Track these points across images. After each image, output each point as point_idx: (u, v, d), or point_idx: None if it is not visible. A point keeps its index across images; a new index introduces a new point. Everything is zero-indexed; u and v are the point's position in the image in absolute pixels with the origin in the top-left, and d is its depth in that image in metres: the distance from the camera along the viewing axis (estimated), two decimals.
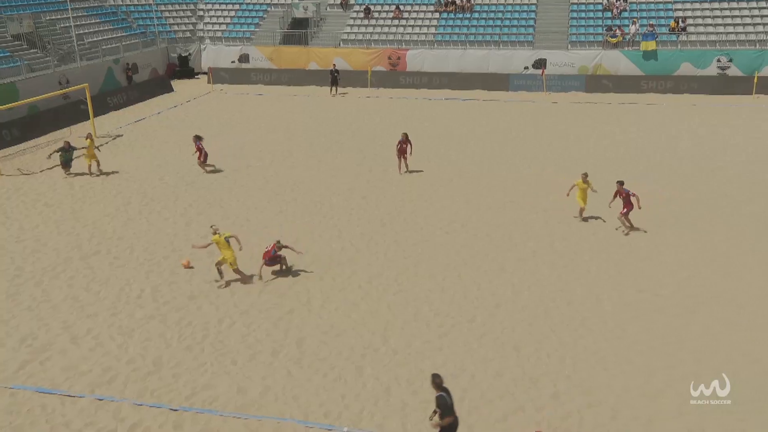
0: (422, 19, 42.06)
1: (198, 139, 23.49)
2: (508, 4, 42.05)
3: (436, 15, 42.05)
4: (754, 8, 38.19)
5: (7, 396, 11.57)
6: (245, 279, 15.45)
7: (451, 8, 41.97)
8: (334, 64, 38.67)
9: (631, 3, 40.45)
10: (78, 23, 37.77)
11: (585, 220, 18.70)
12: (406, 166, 23.33)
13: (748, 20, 37.74)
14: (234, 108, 34.49)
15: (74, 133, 28.87)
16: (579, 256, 16.76)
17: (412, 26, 41.65)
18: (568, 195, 18.89)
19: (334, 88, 37.41)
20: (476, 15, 41.58)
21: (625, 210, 17.73)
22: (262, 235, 18.11)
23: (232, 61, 42.12)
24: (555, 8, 41.33)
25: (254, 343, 13.08)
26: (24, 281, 15.65)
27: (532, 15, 41.00)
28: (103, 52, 36.96)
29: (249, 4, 45.77)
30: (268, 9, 44.98)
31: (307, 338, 13.27)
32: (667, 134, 28.07)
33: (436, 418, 9.74)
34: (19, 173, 23.85)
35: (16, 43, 33.99)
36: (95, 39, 38.18)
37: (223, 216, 19.56)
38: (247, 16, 44.82)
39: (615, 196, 17.89)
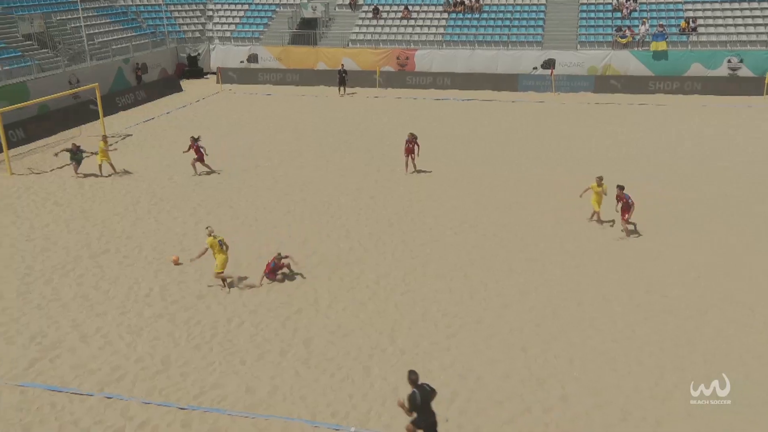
0: (431, 19, 42.03)
1: (195, 140, 23.39)
2: (517, 5, 41.95)
3: (445, 15, 42.00)
4: (766, 8, 37.91)
5: (17, 393, 11.64)
6: (223, 286, 15.21)
7: (459, 8, 41.91)
8: (342, 65, 38.70)
9: (641, 3, 40.27)
10: (88, 23, 37.98)
11: (600, 222, 18.45)
12: (414, 166, 23.32)
13: (759, 20, 37.48)
14: (243, 108, 34.59)
15: (84, 133, 29.05)
16: (588, 256, 16.69)
17: (421, 26, 41.62)
18: (581, 196, 18.71)
19: (342, 88, 37.45)
20: (485, 15, 41.50)
21: (626, 215, 17.62)
22: (270, 235, 18.16)
23: (241, 61, 42.23)
24: (564, 8, 41.20)
25: (262, 343, 13.10)
26: (34, 280, 15.75)
27: (541, 15, 40.88)
28: (113, 52, 37.14)
29: (258, 4, 45.89)
30: (277, 9, 45.07)
31: (314, 338, 13.28)
32: (676, 135, 27.92)
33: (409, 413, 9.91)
34: (30, 172, 24.00)
35: (27, 42, 34.21)
36: (105, 39, 38.38)
37: (232, 216, 19.61)
38: (256, 16, 44.93)
39: (618, 201, 17.73)
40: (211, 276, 15.54)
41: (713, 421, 10.77)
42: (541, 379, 11.90)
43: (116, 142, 27.73)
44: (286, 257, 15.56)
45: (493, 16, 41.44)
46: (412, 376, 9.79)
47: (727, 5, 38.76)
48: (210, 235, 15.11)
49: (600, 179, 18.20)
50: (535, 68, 38.24)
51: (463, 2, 42.08)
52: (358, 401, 11.39)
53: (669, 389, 11.53)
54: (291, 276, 15.77)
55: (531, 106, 34.26)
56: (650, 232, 18.03)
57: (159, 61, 40.77)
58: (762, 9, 37.98)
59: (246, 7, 45.81)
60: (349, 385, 11.80)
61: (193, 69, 42.77)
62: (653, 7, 39.98)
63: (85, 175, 23.10)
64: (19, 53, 32.54)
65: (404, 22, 42.00)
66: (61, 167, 24.19)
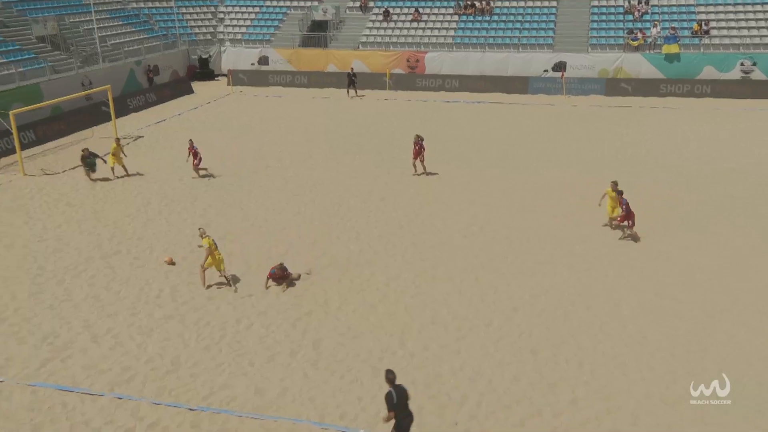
0: (441, 21, 42.03)
1: (192, 143, 23.39)
2: (528, 7, 41.88)
3: (455, 18, 41.99)
4: None
5: (28, 393, 11.72)
6: (202, 282, 15.31)
7: (470, 11, 41.89)
8: (352, 68, 38.77)
9: (652, 6, 40.08)
10: (101, 25, 38.29)
11: (619, 229, 18.12)
12: (423, 168, 23.29)
13: None
14: (253, 109, 34.71)
15: (96, 135, 29.26)
16: (598, 260, 16.61)
17: (431, 29, 41.63)
18: (600, 205, 18.46)
19: (351, 90, 37.55)
20: (495, 18, 41.46)
21: (619, 219, 17.52)
22: (280, 237, 18.20)
23: (252, 63, 42.39)
24: (575, 11, 41.09)
25: (272, 344, 13.12)
26: (46, 280, 15.86)
27: (552, 18, 40.79)
28: (125, 54, 37.40)
29: (269, 6, 46.07)
30: (288, 11, 45.23)
31: (324, 340, 13.29)
32: (686, 138, 27.76)
33: (384, 412, 9.89)
34: (42, 173, 24.18)
35: (41, 45, 34.51)
36: (118, 41, 38.66)
37: (242, 217, 19.68)
38: (267, 19, 45.10)
39: (620, 205, 17.57)
40: (218, 277, 15.59)
41: (724, 427, 10.68)
42: (551, 382, 11.85)
43: (127, 144, 27.88)
44: (288, 274, 15.36)
45: (503, 18, 41.39)
46: (390, 375, 9.82)
47: (740, 8, 38.51)
48: (203, 236, 15.32)
49: (615, 183, 18.02)
50: (545, 71, 38.15)
51: (474, 5, 42.05)
52: (367, 403, 11.38)
53: (680, 394, 11.44)
54: (300, 281, 15.78)
55: (541, 108, 34.16)
56: (660, 234, 17.92)
57: (170, 63, 41.01)
58: None
59: (257, 9, 46.00)
60: (358, 388, 11.80)
61: (204, 71, 43.00)
62: (665, 9, 39.79)
63: (99, 180, 22.96)
64: (33, 55, 32.83)
65: (415, 24, 42.03)
66: (73, 168, 24.36)
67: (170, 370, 12.33)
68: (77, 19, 38.25)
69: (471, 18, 41.67)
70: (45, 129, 28.88)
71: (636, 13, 39.49)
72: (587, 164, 24.31)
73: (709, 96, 35.38)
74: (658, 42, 37.26)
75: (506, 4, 42.46)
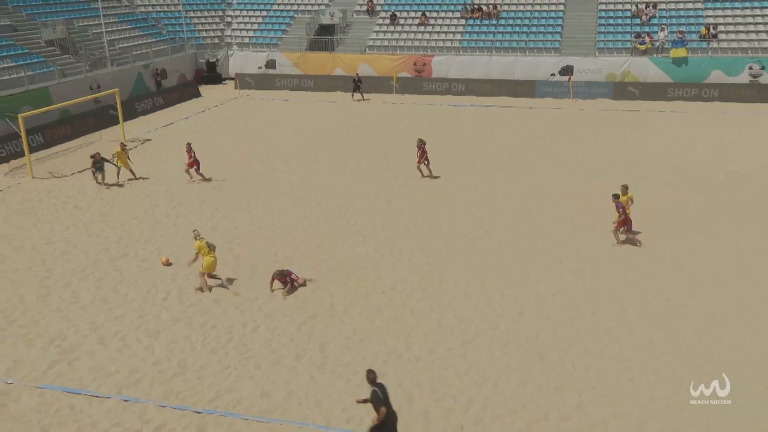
0: (448, 25, 42.06)
1: (190, 146, 23.38)
2: (535, 11, 41.86)
3: (462, 21, 42.02)
4: None
5: (36, 395, 11.78)
6: (204, 288, 15.30)
7: (477, 15, 41.90)
8: (357, 73, 38.86)
9: (660, 10, 39.99)
10: (109, 29, 38.50)
11: (617, 234, 18.01)
12: (429, 171, 23.29)
13: None
14: (260, 113, 34.82)
15: (104, 138, 29.41)
16: (604, 264, 16.57)
17: (438, 32, 41.66)
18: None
19: (357, 94, 37.67)
20: (502, 21, 41.46)
21: (623, 224, 17.38)
22: (286, 240, 18.24)
23: (259, 67, 42.52)
24: (583, 15, 41.03)
25: (278, 348, 13.15)
26: (54, 282, 15.95)
27: (559, 21, 40.75)
28: (133, 57, 37.58)
29: (276, 10, 46.23)
30: (295, 15, 45.37)
31: (330, 343, 13.30)
32: (694, 142, 27.67)
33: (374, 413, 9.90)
34: (50, 176, 24.33)
35: (50, 48, 34.73)
36: (126, 45, 38.87)
37: (249, 221, 19.73)
38: (274, 23, 45.25)
39: (617, 209, 17.44)
40: (232, 280, 15.63)
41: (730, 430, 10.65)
42: (558, 386, 11.82)
43: (135, 147, 28.05)
44: (289, 281, 15.32)
45: (510, 22, 41.38)
46: (371, 375, 9.90)
47: (748, 11, 38.36)
48: (196, 238, 15.45)
49: (625, 188, 17.91)
50: (552, 75, 38.09)
51: (481, 8, 42.08)
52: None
53: (687, 399, 11.39)
54: (306, 284, 15.80)
55: (548, 112, 34.13)
56: (667, 238, 17.86)
57: (178, 66, 41.19)
58: None
59: (264, 13, 46.16)
60: (364, 391, 11.78)
61: (212, 74, 43.14)
62: (673, 13, 39.69)
63: (108, 186, 22.90)
64: (42, 59, 33.05)
65: (421, 28, 42.07)
66: (81, 171, 24.49)
67: (177, 373, 12.37)
68: (86, 23, 38.49)
69: (478, 22, 41.68)
70: (53, 132, 29.05)
71: (644, 17, 39.41)
72: (594, 168, 24.26)
73: (717, 100, 35.23)
74: (666, 46, 37.16)
75: (513, 7, 42.46)
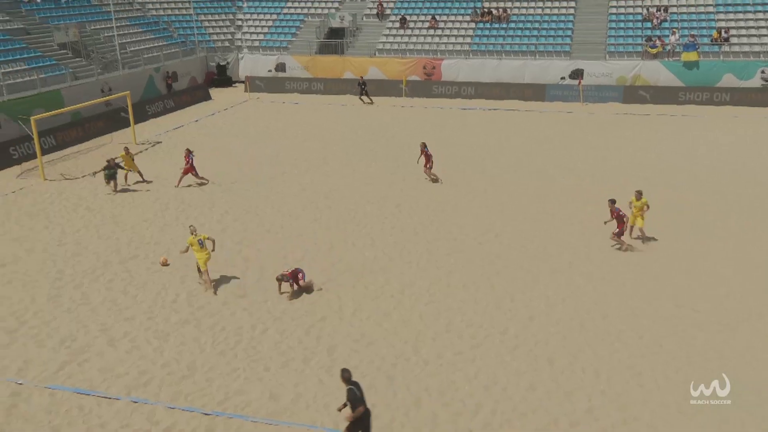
0: (458, 29, 42.04)
1: (189, 152, 23.36)
2: (545, 14, 41.77)
3: (472, 25, 41.99)
4: None
5: (46, 396, 11.85)
6: (207, 285, 15.50)
7: (487, 18, 41.87)
8: (362, 77, 38.95)
9: (671, 13, 39.81)
10: (121, 33, 38.77)
11: (646, 240, 17.85)
12: (434, 175, 23.29)
13: None
14: (270, 116, 34.93)
15: (115, 140, 29.58)
16: (615, 268, 16.48)
17: (448, 36, 41.65)
18: (634, 218, 17.90)
19: (365, 97, 37.74)
20: (512, 25, 41.40)
21: (618, 230, 17.23)
22: (296, 243, 18.27)
23: (269, 70, 42.66)
24: (593, 18, 40.90)
25: (287, 350, 13.16)
26: (64, 284, 16.04)
27: (570, 25, 40.64)
28: (144, 60, 37.82)
29: (286, 14, 46.39)
30: (305, 19, 45.50)
31: (338, 346, 13.30)
32: (705, 146, 27.50)
33: (347, 410, 10.01)
34: (62, 178, 24.49)
35: (62, 51, 35.01)
36: (137, 48, 39.11)
37: (258, 223, 19.78)
38: (285, 26, 45.41)
39: (611, 215, 17.30)
40: (241, 281, 15.65)
41: None
42: (568, 391, 11.76)
43: (146, 149, 28.21)
44: (293, 279, 15.29)
45: (520, 26, 41.31)
46: (345, 374, 9.99)
47: (760, 15, 38.09)
48: (192, 234, 15.61)
49: (639, 193, 17.69)
50: (562, 78, 37.99)
51: (491, 12, 42.04)
52: (381, 410, 11.35)
53: (698, 405, 11.30)
54: (315, 287, 15.81)
55: (558, 116, 34.03)
56: (678, 243, 17.75)
57: (189, 69, 41.40)
58: None
59: (274, 16, 46.34)
60: (372, 394, 11.76)
61: (222, 78, 43.33)
62: (684, 17, 39.48)
63: (119, 192, 22.64)
64: (54, 62, 33.31)
65: (431, 31, 42.08)
66: (93, 174, 24.63)
67: (186, 375, 12.40)
68: (98, 27, 38.79)
69: (488, 25, 41.65)
70: (65, 134, 29.26)
71: (654, 21, 39.24)
72: (604, 172, 24.15)
73: (729, 104, 35.01)
74: (677, 49, 36.98)
75: (523, 11, 42.39)
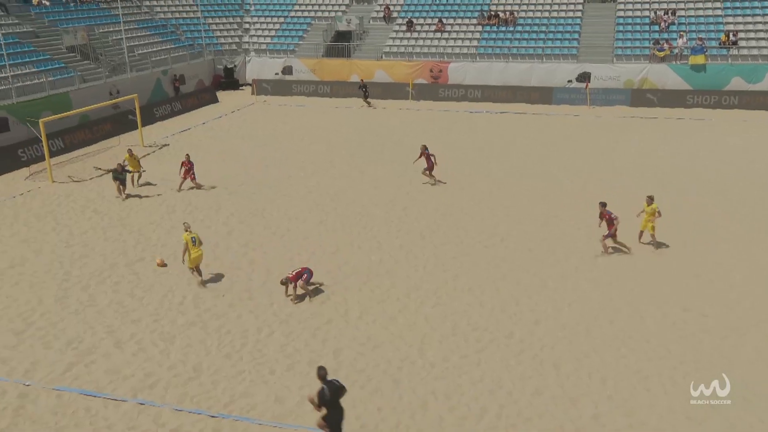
0: (465, 32, 42.04)
1: (188, 158, 23.31)
2: (552, 17, 41.72)
3: (479, 28, 41.98)
4: None
5: (53, 397, 11.89)
6: (202, 282, 15.88)
7: (494, 21, 41.86)
8: (362, 79, 39.01)
9: (679, 16, 39.68)
10: (129, 36, 38.95)
11: (658, 246, 17.73)
12: (432, 177, 23.30)
13: None
14: (277, 119, 35.00)
15: (123, 143, 29.70)
16: (622, 272, 16.41)
17: (455, 39, 41.66)
18: (646, 224, 17.79)
19: (364, 100, 37.80)
20: (519, 28, 41.36)
21: (608, 232, 17.11)
22: (302, 246, 18.29)
23: (276, 73, 42.77)
24: (600, 21, 40.85)
25: (292, 353, 13.16)
26: (72, 285, 16.11)
27: (577, 28, 40.57)
28: (152, 63, 37.99)
29: (293, 17, 46.53)
30: (312, 22, 45.62)
31: (344, 349, 13.29)
32: (714, 150, 27.38)
33: (314, 399, 10.19)
34: (70, 180, 24.61)
35: (71, 54, 35.21)
36: (145, 51, 39.29)
37: (264, 226, 19.81)
38: (292, 29, 45.53)
39: (601, 218, 17.20)
40: (248, 284, 15.66)
41: None
42: (574, 397, 11.71)
43: (153, 152, 28.31)
44: (294, 282, 15.32)
45: (527, 29, 41.27)
46: (321, 372, 10.07)
47: None
48: (186, 230, 15.86)
49: (650, 198, 17.48)
50: (569, 81, 37.92)
51: (498, 15, 42.03)
52: (387, 414, 11.35)
53: (706, 411, 11.23)
54: (321, 290, 15.82)
55: (565, 119, 33.96)
56: (687, 247, 17.67)
57: (196, 72, 41.56)
58: None
59: (282, 20, 46.48)
60: (378, 398, 11.78)
61: (229, 80, 43.48)
62: (692, 20, 39.36)
63: (128, 197, 22.53)
64: (63, 65, 33.50)
65: (438, 34, 42.09)
66: (100, 176, 24.74)
67: (192, 377, 12.42)
68: (106, 30, 38.98)
69: (494, 28, 41.63)
70: (73, 137, 29.40)
71: (662, 24, 39.13)
72: (611, 175, 24.07)
73: (737, 107, 34.86)
74: (685, 53, 36.85)
75: (530, 14, 42.36)
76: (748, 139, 29.12)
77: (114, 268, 17.02)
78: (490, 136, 30.60)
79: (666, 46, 37.29)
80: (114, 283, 16.20)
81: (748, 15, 38.48)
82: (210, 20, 46.30)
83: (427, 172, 23.33)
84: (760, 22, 37.83)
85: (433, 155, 23.23)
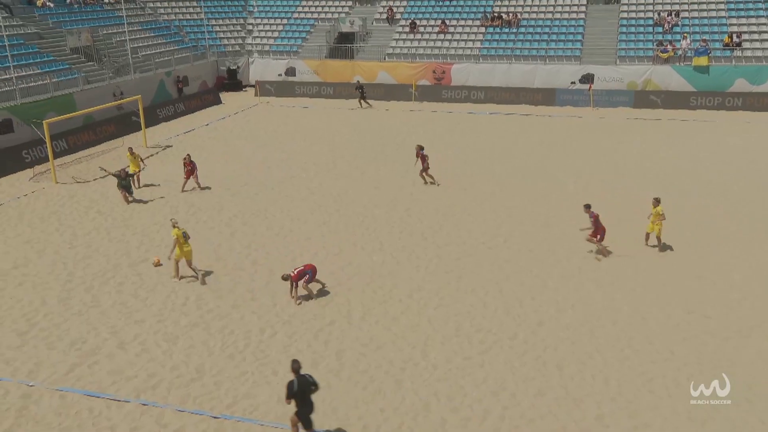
0: (468, 33, 42.06)
1: (189, 158, 23.36)
2: (555, 19, 41.71)
3: (482, 29, 41.99)
4: None
5: (57, 398, 11.91)
6: (174, 273, 16.09)
7: (497, 23, 41.86)
8: (358, 81, 39.00)
9: (683, 18, 39.64)
10: (133, 37, 39.06)
11: (663, 249, 17.70)
12: (429, 177, 23.30)
13: None
14: (280, 120, 35.04)
15: (126, 144, 29.75)
16: (625, 274, 16.39)
17: (458, 40, 41.67)
18: (652, 226, 17.67)
19: (364, 102, 37.79)
20: (522, 29, 41.36)
21: (597, 235, 17.05)
22: (304, 246, 18.29)
23: (279, 74, 42.83)
24: (604, 23, 40.82)
25: (295, 354, 13.14)
26: (75, 286, 16.13)
27: (580, 29, 40.55)
28: (155, 65, 38.06)
29: (297, 18, 46.59)
30: (315, 23, 45.67)
31: (347, 350, 13.29)
32: (718, 151, 27.33)
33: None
34: (74, 181, 24.66)
35: (75, 56, 35.31)
36: (149, 52, 39.37)
37: (267, 227, 19.82)
38: (295, 30, 45.59)
39: (591, 219, 17.13)
40: (251, 284, 15.66)
41: None
42: (577, 398, 11.69)
43: (156, 153, 28.36)
44: (295, 281, 15.25)
45: (530, 30, 41.27)
46: (295, 365, 10.24)
47: None
48: (174, 226, 16.02)
49: (657, 200, 17.32)
50: (573, 83, 37.89)
51: (501, 16, 42.03)
52: (390, 415, 11.34)
53: (709, 412, 11.21)
54: (324, 291, 15.83)
55: (569, 120, 33.92)
56: (690, 249, 17.63)
57: (200, 73, 41.64)
58: None
59: (285, 21, 46.54)
60: (380, 399, 11.77)
61: (233, 82, 43.55)
62: (696, 21, 39.31)
63: (135, 201, 22.38)
64: (67, 66, 33.59)
65: (441, 36, 42.11)
66: (104, 177, 24.78)
67: (195, 378, 12.43)
68: (110, 31, 39.09)
69: (498, 30, 41.63)
70: (77, 138, 29.47)
71: (666, 25, 39.08)
72: (614, 177, 24.04)
73: (741, 109, 34.81)
74: (689, 54, 36.80)
75: (533, 15, 42.36)
76: (751, 140, 29.05)
77: (117, 269, 17.05)
78: (493, 137, 30.58)
79: (669, 47, 37.24)
80: (117, 284, 16.22)
81: (752, 16, 38.41)
82: (213, 22, 46.39)
83: (423, 173, 23.31)
84: (764, 24, 37.76)
85: (426, 155, 23.21)
